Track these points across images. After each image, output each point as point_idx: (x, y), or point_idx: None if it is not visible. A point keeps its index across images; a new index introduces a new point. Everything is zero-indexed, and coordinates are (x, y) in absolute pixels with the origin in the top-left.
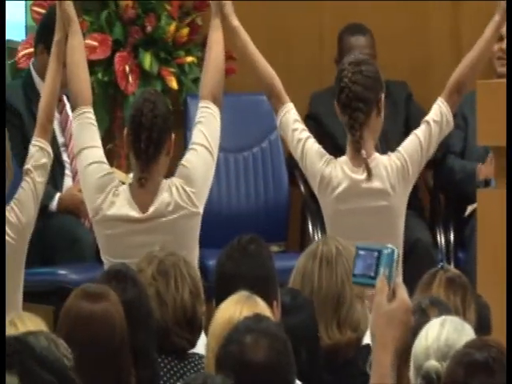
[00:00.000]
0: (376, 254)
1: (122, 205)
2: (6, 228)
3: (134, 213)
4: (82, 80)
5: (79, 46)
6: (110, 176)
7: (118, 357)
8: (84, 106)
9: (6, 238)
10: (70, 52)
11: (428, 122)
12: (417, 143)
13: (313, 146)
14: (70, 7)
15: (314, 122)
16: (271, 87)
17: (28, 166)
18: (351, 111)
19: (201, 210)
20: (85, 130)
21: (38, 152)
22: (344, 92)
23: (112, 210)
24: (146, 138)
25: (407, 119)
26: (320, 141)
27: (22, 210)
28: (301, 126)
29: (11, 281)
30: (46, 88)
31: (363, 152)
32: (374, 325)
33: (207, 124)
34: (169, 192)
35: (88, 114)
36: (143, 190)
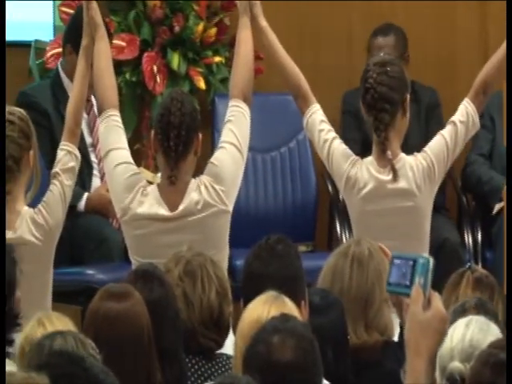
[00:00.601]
0: (411, 262)
1: (151, 204)
2: (33, 229)
3: (164, 211)
4: (108, 86)
5: (105, 52)
6: (137, 176)
7: (144, 356)
8: (110, 109)
9: (33, 239)
10: (96, 57)
11: (454, 123)
12: (443, 143)
13: (339, 146)
14: (97, 12)
15: (351, 117)
16: (298, 88)
17: (56, 169)
18: (376, 112)
19: (230, 208)
20: (111, 132)
21: (66, 156)
22: (369, 93)
23: (141, 208)
24: (174, 137)
25: (427, 127)
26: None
27: (50, 213)
28: (327, 126)
29: (38, 282)
30: (74, 93)
31: (388, 153)
32: (409, 333)
33: (237, 123)
34: (198, 190)
35: (114, 117)
36: (172, 189)
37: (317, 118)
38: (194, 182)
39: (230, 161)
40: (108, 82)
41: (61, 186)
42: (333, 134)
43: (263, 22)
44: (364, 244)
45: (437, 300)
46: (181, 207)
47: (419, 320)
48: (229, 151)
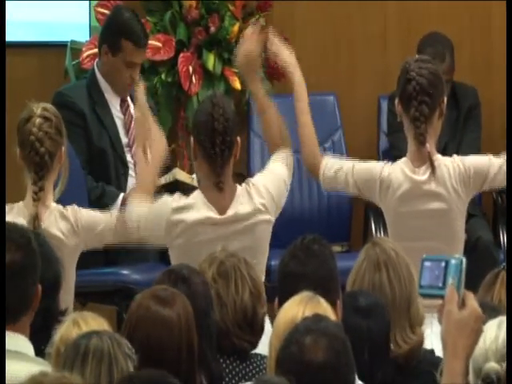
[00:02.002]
0: (443, 264)
1: (199, 208)
2: (60, 224)
3: (212, 214)
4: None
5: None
6: (164, 209)
7: (182, 359)
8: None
9: (59, 233)
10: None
11: (501, 166)
12: (486, 164)
13: (359, 167)
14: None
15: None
16: (314, 156)
17: (114, 213)
18: (417, 104)
19: (273, 218)
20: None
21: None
22: (411, 84)
23: (192, 215)
24: (220, 143)
25: (465, 126)
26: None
27: (84, 219)
28: (339, 165)
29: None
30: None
31: (427, 145)
32: (446, 333)
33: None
34: (247, 196)
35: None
36: (221, 194)
37: (329, 169)
38: (243, 187)
39: (277, 178)
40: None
41: (111, 223)
42: (348, 163)
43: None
44: (384, 245)
45: (471, 299)
46: (230, 211)
47: (456, 320)
48: (277, 172)
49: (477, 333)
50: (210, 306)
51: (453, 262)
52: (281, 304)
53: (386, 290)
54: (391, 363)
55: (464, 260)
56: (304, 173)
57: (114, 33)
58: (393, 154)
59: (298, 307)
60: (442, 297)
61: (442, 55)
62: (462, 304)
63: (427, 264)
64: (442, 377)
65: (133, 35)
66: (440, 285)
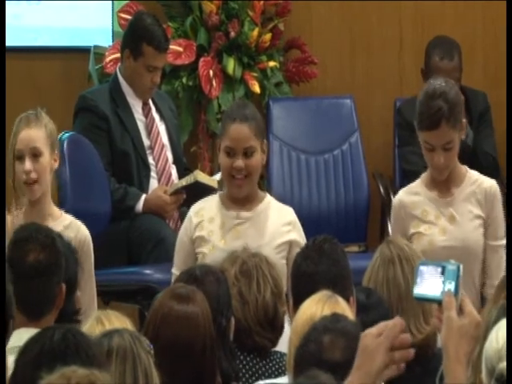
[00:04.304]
0: (440, 269)
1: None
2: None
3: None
4: None
5: None
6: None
7: (202, 357)
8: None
9: None
10: None
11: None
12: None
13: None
14: None
15: (406, 130)
16: None
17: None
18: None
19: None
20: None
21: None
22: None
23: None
24: None
25: (477, 131)
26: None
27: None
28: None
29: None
30: None
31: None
32: (447, 339)
33: None
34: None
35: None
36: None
37: None
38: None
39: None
40: None
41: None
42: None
43: None
44: (397, 242)
45: (470, 306)
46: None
47: (457, 327)
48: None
49: (476, 339)
50: (225, 306)
51: (450, 267)
52: (295, 304)
53: (399, 282)
54: None
55: (461, 266)
56: (322, 174)
57: (135, 38)
58: (403, 167)
59: (317, 306)
60: (438, 301)
61: (450, 54)
62: (460, 310)
63: (423, 268)
64: (445, 382)
65: (154, 40)
66: (436, 290)
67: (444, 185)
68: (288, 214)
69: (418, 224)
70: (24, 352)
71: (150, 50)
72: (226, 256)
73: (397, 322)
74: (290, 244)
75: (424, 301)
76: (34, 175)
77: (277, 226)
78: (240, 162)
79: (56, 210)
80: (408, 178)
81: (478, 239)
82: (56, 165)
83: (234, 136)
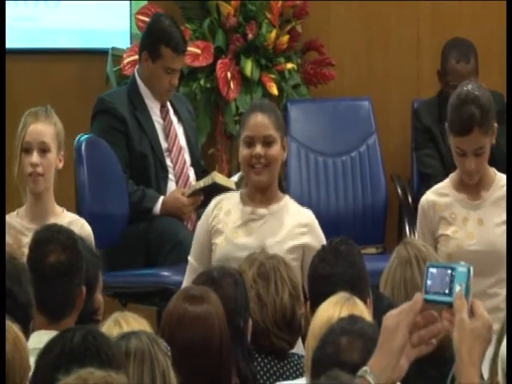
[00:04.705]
0: (449, 271)
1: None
2: None
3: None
4: None
5: None
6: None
7: (218, 357)
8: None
9: None
10: None
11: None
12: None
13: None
14: None
15: (423, 133)
16: None
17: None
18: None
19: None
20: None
21: None
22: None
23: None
24: None
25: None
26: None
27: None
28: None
29: None
30: None
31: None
32: (460, 342)
33: None
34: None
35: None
36: None
37: None
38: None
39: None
40: None
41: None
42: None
43: None
44: (414, 243)
45: (481, 308)
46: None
47: (470, 329)
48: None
49: (488, 341)
50: (243, 307)
51: (460, 269)
52: (312, 306)
53: (416, 282)
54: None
55: (471, 268)
56: (340, 175)
57: (153, 40)
58: (421, 170)
59: (335, 308)
60: (448, 304)
61: (466, 57)
62: (471, 313)
63: (432, 270)
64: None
65: (172, 42)
66: (446, 291)
67: (473, 187)
68: (305, 216)
69: (446, 226)
70: (44, 353)
71: (169, 52)
72: (236, 249)
73: (417, 298)
74: (303, 248)
75: (434, 303)
76: (40, 169)
77: (291, 228)
78: (259, 149)
79: (58, 208)
80: (425, 181)
81: (505, 244)
82: (60, 165)
83: (254, 124)
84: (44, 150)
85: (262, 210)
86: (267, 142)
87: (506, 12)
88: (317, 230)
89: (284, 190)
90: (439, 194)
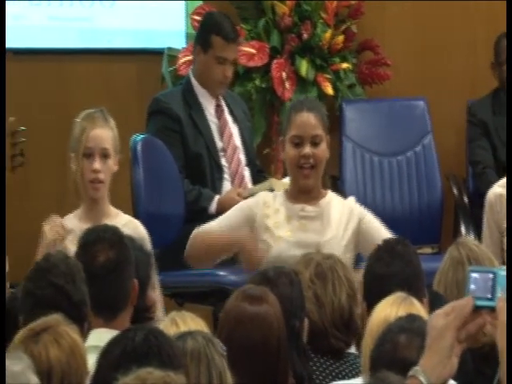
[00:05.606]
0: (491, 275)
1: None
2: None
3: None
4: None
5: None
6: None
7: (276, 358)
8: None
9: None
10: None
11: None
12: None
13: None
14: None
15: (477, 127)
16: None
17: None
18: None
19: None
20: None
21: None
22: None
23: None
24: None
25: None
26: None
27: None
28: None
29: None
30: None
31: None
32: (503, 345)
33: None
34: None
35: None
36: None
37: None
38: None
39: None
40: None
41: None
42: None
43: None
44: (467, 243)
45: None
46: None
47: None
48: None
49: None
50: (298, 307)
51: (501, 273)
52: (369, 306)
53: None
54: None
55: None
56: (395, 175)
57: (204, 32)
58: (470, 159)
59: (391, 308)
60: (490, 308)
61: None
62: None
63: (474, 275)
64: None
65: (222, 31)
66: (489, 296)
67: None
68: (348, 204)
69: None
70: (105, 353)
71: (219, 41)
72: (291, 247)
73: (468, 302)
74: (357, 233)
75: (478, 308)
76: (102, 176)
77: (339, 221)
78: (308, 149)
79: (113, 210)
80: (474, 168)
81: None
82: (115, 168)
83: (301, 124)
84: (105, 155)
85: (311, 208)
86: (315, 142)
87: (506, 12)
88: (357, 208)
89: (327, 185)
90: (505, 187)
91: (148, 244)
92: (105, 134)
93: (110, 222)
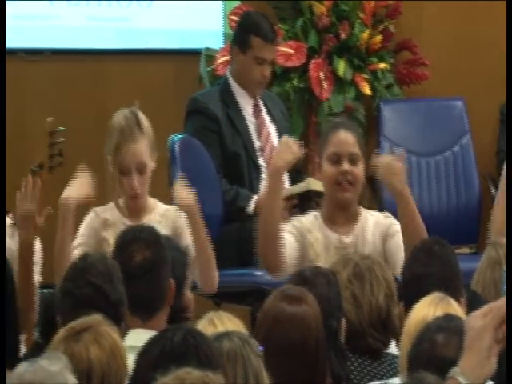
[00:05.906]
0: None
1: None
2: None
3: None
4: None
5: None
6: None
7: (314, 358)
8: None
9: None
10: None
11: None
12: None
13: None
14: None
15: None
16: None
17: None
18: None
19: None
20: None
21: None
22: None
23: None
24: None
25: None
26: None
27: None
28: None
29: None
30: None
31: None
32: None
33: None
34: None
35: None
36: None
37: None
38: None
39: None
40: None
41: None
42: None
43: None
44: (504, 243)
45: None
46: None
47: None
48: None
49: None
50: (336, 307)
51: None
52: (406, 306)
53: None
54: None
55: None
56: (433, 175)
57: (242, 32)
58: (500, 156)
59: (429, 308)
60: None
61: None
62: None
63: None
64: None
65: (261, 31)
66: None
67: None
68: (382, 224)
69: None
70: (144, 353)
71: (258, 41)
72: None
73: (504, 302)
74: (385, 247)
75: None
76: (139, 190)
77: (374, 245)
78: (346, 166)
79: (151, 201)
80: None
81: None
82: (153, 165)
83: (340, 141)
84: (141, 169)
85: (347, 239)
86: (353, 160)
87: (506, 12)
88: (391, 229)
89: (363, 203)
90: None
91: (187, 233)
92: (140, 148)
93: (149, 215)
